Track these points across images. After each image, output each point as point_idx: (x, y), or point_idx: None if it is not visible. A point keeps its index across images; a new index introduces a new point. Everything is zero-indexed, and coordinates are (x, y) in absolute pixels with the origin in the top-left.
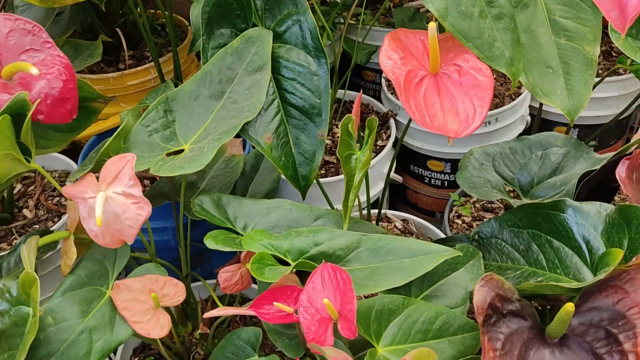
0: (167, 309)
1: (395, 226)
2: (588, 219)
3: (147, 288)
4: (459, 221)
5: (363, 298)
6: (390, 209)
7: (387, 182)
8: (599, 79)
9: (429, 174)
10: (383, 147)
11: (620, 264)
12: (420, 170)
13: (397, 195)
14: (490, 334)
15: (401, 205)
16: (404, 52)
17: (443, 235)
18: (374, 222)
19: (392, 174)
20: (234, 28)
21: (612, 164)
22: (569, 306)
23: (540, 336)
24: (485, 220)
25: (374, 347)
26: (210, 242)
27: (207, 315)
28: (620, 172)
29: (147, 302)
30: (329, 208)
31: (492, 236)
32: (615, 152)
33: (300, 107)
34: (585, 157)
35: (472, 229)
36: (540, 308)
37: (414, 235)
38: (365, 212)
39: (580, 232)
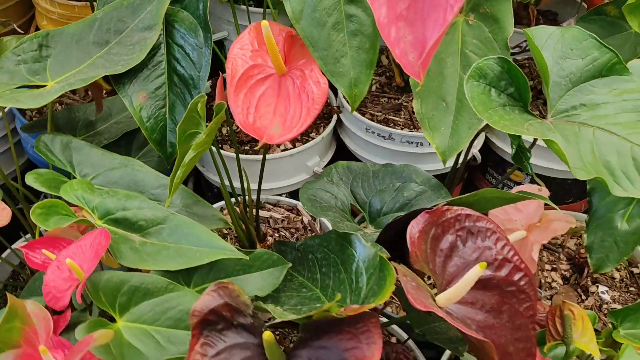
0: None
1: (302, 220)
2: (366, 260)
3: None
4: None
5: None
6: None
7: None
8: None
9: None
10: (313, 139)
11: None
12: None
13: None
14: (211, 339)
15: None
16: (261, 46)
17: None
18: (282, 208)
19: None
20: None
21: (417, 213)
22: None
23: (264, 357)
24: None
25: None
26: (31, 178)
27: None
28: (414, 226)
29: None
30: None
31: (310, 251)
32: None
33: (182, 75)
34: (440, 202)
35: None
36: None
37: (313, 234)
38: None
39: (356, 269)
